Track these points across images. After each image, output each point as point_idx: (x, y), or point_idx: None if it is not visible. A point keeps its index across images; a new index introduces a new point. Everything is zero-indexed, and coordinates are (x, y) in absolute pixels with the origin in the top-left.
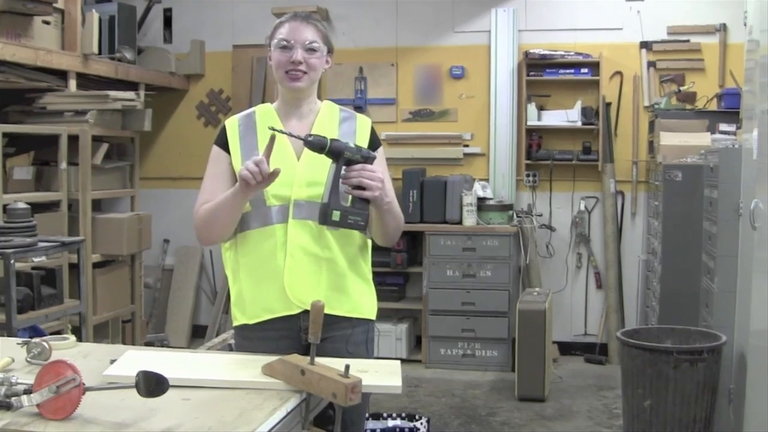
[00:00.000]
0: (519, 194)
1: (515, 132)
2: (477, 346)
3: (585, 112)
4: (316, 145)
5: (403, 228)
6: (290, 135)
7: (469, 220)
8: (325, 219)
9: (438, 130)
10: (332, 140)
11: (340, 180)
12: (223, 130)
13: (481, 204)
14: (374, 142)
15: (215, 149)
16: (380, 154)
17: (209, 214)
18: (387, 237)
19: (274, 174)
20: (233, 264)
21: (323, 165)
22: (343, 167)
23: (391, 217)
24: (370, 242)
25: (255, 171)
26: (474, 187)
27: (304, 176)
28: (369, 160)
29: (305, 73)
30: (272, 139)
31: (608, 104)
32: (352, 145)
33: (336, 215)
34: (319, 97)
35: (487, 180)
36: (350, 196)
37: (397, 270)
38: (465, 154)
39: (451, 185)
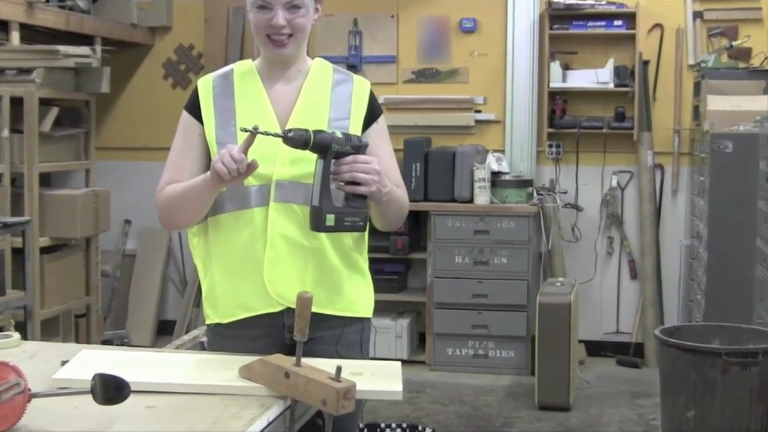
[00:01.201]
0: (540, 168)
1: (536, 95)
2: (490, 345)
3: (618, 71)
4: (298, 141)
5: (407, 210)
6: (266, 134)
7: (482, 198)
8: (318, 225)
9: (445, 93)
10: (315, 132)
11: (330, 176)
12: (195, 94)
13: (496, 179)
14: (374, 110)
15: (185, 116)
16: (381, 125)
17: (173, 200)
18: (388, 224)
19: (252, 167)
20: (203, 253)
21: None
22: (333, 161)
23: (393, 206)
24: (367, 228)
25: (232, 168)
26: (487, 160)
27: (289, 151)
28: (361, 149)
29: (291, 35)
30: (250, 137)
31: (646, 62)
32: (339, 134)
33: (330, 219)
34: (309, 54)
35: (502, 151)
36: (344, 193)
37: (397, 256)
38: (477, 122)
39: (460, 158)
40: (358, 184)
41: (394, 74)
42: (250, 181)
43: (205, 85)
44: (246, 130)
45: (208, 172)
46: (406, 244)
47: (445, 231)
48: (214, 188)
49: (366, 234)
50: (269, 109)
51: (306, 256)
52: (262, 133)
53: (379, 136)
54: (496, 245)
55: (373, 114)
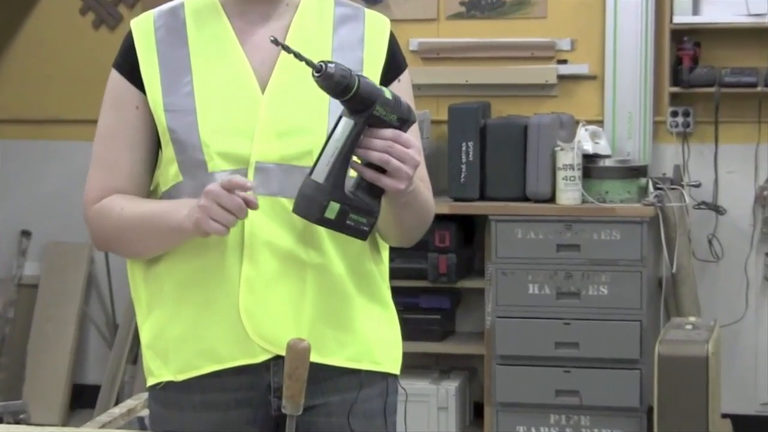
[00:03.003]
0: (658, 148)
1: (651, 36)
2: (584, 421)
3: None
4: (339, 83)
5: (432, 215)
6: (298, 56)
7: (569, 195)
8: (313, 211)
9: (512, 35)
10: (362, 78)
11: (355, 150)
12: (128, 42)
13: (591, 166)
14: (395, 62)
15: (115, 78)
16: (405, 85)
17: (122, 230)
18: (402, 235)
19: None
20: (147, 279)
21: (307, 101)
22: (365, 129)
23: (414, 210)
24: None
25: (230, 222)
26: (577, 137)
27: (274, 120)
28: (407, 124)
29: None
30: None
31: None
32: (388, 93)
33: (333, 209)
34: None
35: (600, 123)
36: (357, 179)
37: (438, 285)
38: (561, 78)
39: (535, 133)
40: (383, 171)
41: (434, 6)
42: (218, 164)
43: (143, 27)
44: (278, 43)
45: (182, 212)
46: (452, 265)
47: (512, 246)
48: (190, 236)
49: (387, 247)
50: (241, 60)
51: (302, 276)
52: (293, 53)
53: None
54: (591, 267)
55: (394, 68)
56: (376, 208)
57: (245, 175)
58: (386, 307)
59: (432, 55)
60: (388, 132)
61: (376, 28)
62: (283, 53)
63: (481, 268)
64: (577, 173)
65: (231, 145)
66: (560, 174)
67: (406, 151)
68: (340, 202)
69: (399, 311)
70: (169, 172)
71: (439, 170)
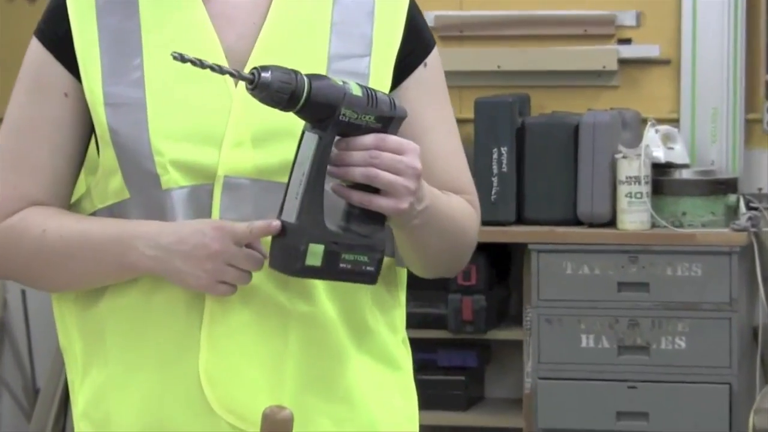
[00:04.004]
0: (752, 155)
1: (743, 10)
2: None
3: None
4: (280, 91)
5: (475, 238)
6: (215, 69)
7: (634, 216)
8: (289, 262)
9: (558, 5)
10: (312, 78)
11: (327, 170)
12: (58, 3)
13: (663, 179)
14: (419, 40)
15: (37, 50)
16: (433, 70)
17: (37, 257)
18: (434, 265)
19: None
20: (81, 330)
21: None
22: (336, 139)
23: (441, 234)
24: (403, 274)
25: (246, 281)
26: (645, 140)
27: (250, 120)
28: (392, 123)
29: None
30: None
31: None
32: (355, 88)
33: (315, 254)
34: None
35: (675, 122)
36: (345, 206)
37: (462, 336)
38: (623, 62)
39: (588, 135)
40: (376, 190)
41: None
42: (174, 178)
43: None
44: (179, 57)
45: (137, 246)
46: (480, 311)
47: (559, 285)
48: (140, 273)
49: (402, 289)
50: (209, 37)
51: (283, 329)
52: (203, 66)
53: (426, 93)
54: (664, 312)
55: (417, 48)
56: (379, 240)
57: (209, 193)
58: (396, 368)
59: (453, 33)
60: (368, 139)
61: None
62: (267, 29)
63: (518, 314)
64: (645, 188)
65: (191, 154)
66: (622, 189)
67: (398, 159)
68: (324, 241)
69: (415, 370)
70: (110, 184)
71: None
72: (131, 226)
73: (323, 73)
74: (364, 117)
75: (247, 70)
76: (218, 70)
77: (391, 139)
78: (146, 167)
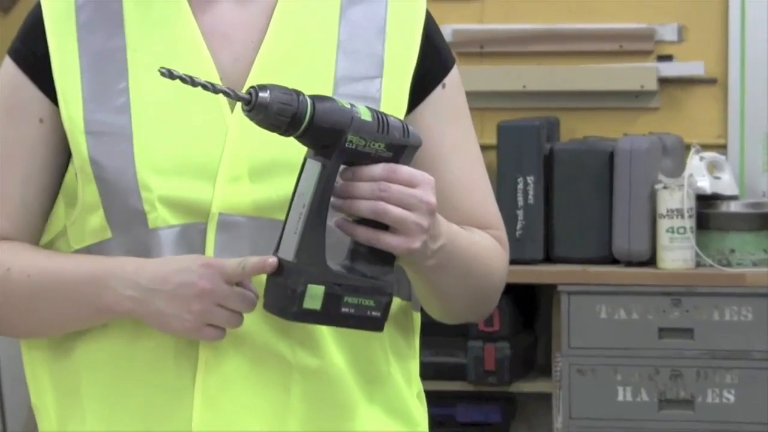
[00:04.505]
0: None
1: None
2: None
3: None
4: (281, 113)
5: (503, 280)
6: (209, 88)
7: (677, 254)
8: (287, 304)
9: (591, 18)
10: (316, 100)
11: (330, 203)
12: (35, 19)
13: (709, 212)
14: (436, 60)
15: (10, 71)
16: (452, 90)
17: (2, 298)
18: (454, 310)
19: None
20: (57, 375)
21: None
22: (341, 168)
23: (450, 275)
24: (418, 318)
25: (237, 323)
26: (689, 169)
27: (248, 150)
28: (405, 151)
29: None
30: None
31: None
32: (364, 112)
33: (314, 296)
34: None
35: (722, 148)
36: (350, 244)
37: (484, 387)
38: (664, 81)
39: (625, 163)
40: (385, 226)
41: None
42: (163, 216)
43: (57, 3)
44: (167, 73)
45: (114, 287)
46: (504, 359)
47: (592, 331)
48: (125, 318)
49: (416, 337)
50: (203, 58)
51: (286, 383)
52: (193, 84)
53: (445, 117)
54: (710, 362)
55: (434, 68)
56: (388, 282)
57: (202, 232)
58: (411, 424)
59: (473, 49)
60: (377, 169)
61: (405, 8)
62: (266, 45)
63: (546, 364)
64: (689, 223)
65: (182, 189)
66: (663, 224)
67: (409, 192)
68: (325, 282)
69: (432, 425)
70: (89, 222)
71: None
72: (107, 263)
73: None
74: (374, 144)
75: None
76: (211, 88)
77: (403, 170)
78: (131, 204)
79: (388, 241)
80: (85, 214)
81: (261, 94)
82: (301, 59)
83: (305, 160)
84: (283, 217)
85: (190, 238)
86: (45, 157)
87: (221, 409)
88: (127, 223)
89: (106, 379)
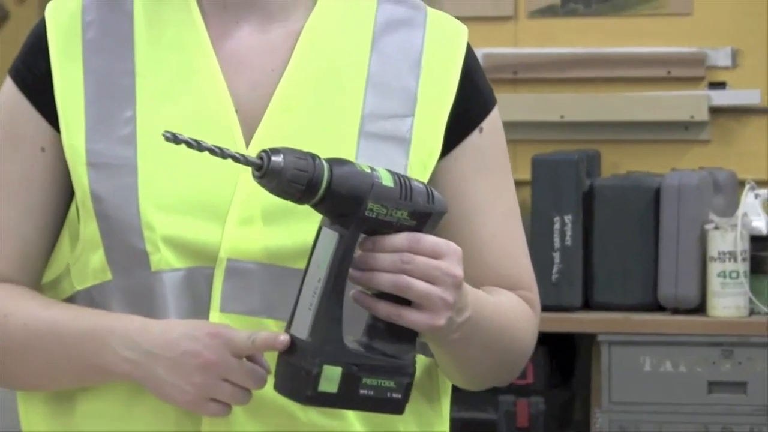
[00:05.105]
0: None
1: None
2: None
3: None
4: (295, 180)
5: (532, 345)
6: (214, 152)
7: (729, 301)
8: (300, 386)
9: (635, 41)
10: (333, 164)
11: (349, 275)
12: (38, 39)
13: (764, 255)
14: (475, 100)
15: (10, 93)
16: (491, 136)
17: (1, 345)
18: (472, 381)
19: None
20: None
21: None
22: (361, 238)
23: (475, 348)
24: (446, 383)
25: (245, 401)
26: (742, 207)
27: (260, 191)
28: (430, 219)
29: None
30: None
31: None
32: (385, 177)
33: (332, 377)
34: None
35: None
36: (368, 320)
37: None
38: (715, 111)
39: (673, 201)
40: (407, 301)
41: (510, 1)
42: (166, 258)
43: (64, 19)
44: (171, 137)
45: (113, 346)
46: (538, 415)
47: (636, 384)
48: (123, 379)
49: (447, 389)
50: (217, 85)
51: None
52: (200, 149)
53: (482, 165)
54: (764, 419)
55: (474, 107)
56: (409, 361)
57: (209, 278)
58: None
59: (506, 75)
60: (399, 239)
61: (444, 40)
62: (287, 79)
63: (585, 420)
64: (742, 267)
65: (189, 229)
66: (714, 268)
67: (434, 264)
68: (342, 363)
69: None
70: (90, 262)
71: None
72: (109, 319)
73: (354, 136)
74: (396, 212)
75: (259, 134)
76: (219, 153)
77: (427, 240)
78: (133, 243)
79: (411, 318)
80: (86, 253)
81: (274, 159)
82: (326, 92)
83: (320, 228)
84: (297, 266)
85: (196, 284)
86: (47, 190)
87: None
88: (128, 263)
89: None
